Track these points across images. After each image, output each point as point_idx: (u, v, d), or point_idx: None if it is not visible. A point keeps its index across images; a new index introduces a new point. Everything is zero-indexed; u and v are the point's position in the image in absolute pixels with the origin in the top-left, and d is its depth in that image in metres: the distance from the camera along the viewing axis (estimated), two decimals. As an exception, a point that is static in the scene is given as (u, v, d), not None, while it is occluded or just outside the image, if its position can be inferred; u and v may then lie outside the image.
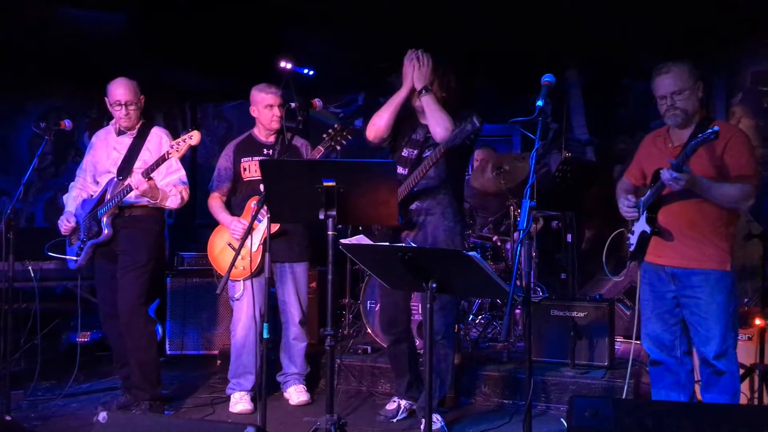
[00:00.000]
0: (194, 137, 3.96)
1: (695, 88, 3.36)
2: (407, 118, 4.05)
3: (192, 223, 7.25)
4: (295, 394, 4.58)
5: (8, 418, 3.91)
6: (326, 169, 3.16)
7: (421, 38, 4.03)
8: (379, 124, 3.99)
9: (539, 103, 2.81)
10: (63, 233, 4.39)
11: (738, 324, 3.55)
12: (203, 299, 5.67)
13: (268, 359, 3.72)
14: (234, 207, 4.57)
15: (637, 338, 3.69)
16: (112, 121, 4.38)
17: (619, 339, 5.20)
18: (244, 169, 4.54)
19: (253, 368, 4.40)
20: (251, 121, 4.69)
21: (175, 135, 4.20)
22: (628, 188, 3.68)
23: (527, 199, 2.71)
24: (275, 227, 4.29)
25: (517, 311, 5.13)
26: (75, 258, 4.33)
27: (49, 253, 4.51)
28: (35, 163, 4.19)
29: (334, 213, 3.12)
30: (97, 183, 4.36)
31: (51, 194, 6.80)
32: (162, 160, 4.00)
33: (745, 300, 4.80)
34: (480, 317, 5.59)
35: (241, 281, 4.42)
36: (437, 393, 3.98)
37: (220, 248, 4.56)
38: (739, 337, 3.91)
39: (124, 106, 4.22)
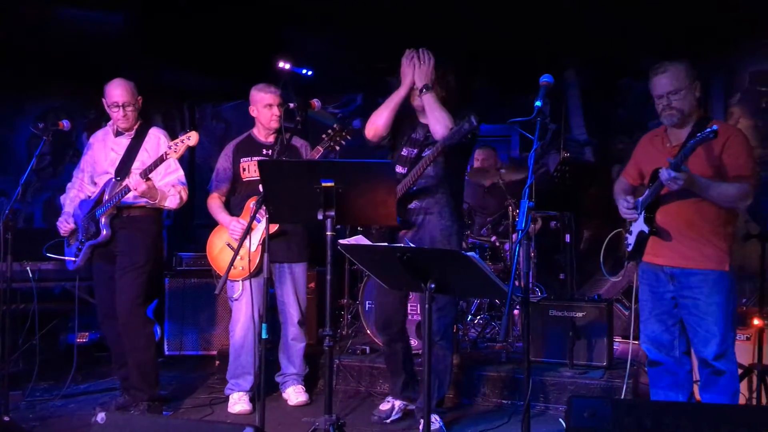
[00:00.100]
0: (192, 138, 3.96)
1: (692, 87, 3.36)
2: (407, 117, 4.05)
3: (190, 224, 7.24)
4: (294, 394, 4.57)
5: (6, 418, 3.91)
6: (325, 170, 3.16)
7: (421, 38, 4.03)
8: (378, 123, 3.99)
9: (537, 103, 2.81)
10: (62, 234, 4.39)
11: (736, 324, 3.56)
12: (202, 300, 5.66)
13: (266, 359, 3.72)
14: (233, 207, 4.57)
15: (636, 338, 3.69)
16: (110, 122, 4.38)
17: (617, 339, 5.20)
18: (243, 170, 4.54)
19: (251, 369, 4.40)
20: (250, 122, 4.69)
21: (173, 135, 4.20)
22: (626, 188, 3.68)
23: (526, 200, 2.71)
24: (274, 227, 4.29)
25: (516, 311, 5.12)
26: (73, 259, 4.33)
27: (48, 254, 4.51)
28: (33, 163, 4.18)
29: (332, 213, 3.12)
30: (95, 184, 4.36)
31: (49, 195, 6.79)
32: (160, 160, 4.00)
33: (744, 300, 4.81)
34: (479, 317, 5.59)
35: (240, 281, 4.42)
36: (435, 393, 3.98)
37: (219, 248, 4.56)
38: (738, 337, 3.91)
39: (121, 108, 4.22)
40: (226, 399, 4.52)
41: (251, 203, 4.37)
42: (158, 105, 7.46)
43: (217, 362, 5.28)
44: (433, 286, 2.80)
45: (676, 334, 3.46)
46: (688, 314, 3.38)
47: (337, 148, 4.39)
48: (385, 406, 4.21)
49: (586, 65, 6.81)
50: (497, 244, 5.65)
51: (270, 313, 4.45)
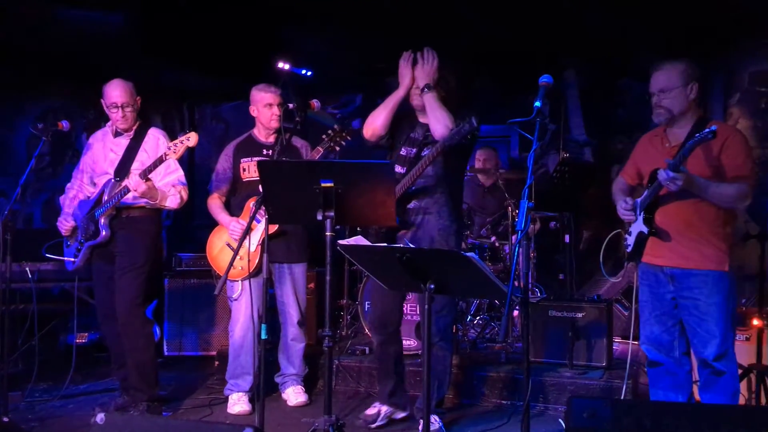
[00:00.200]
0: (192, 139, 3.96)
1: (685, 88, 3.35)
2: (406, 117, 4.05)
3: (190, 224, 7.24)
4: (293, 395, 4.57)
5: (6, 419, 3.91)
6: (324, 170, 3.16)
7: (421, 38, 4.04)
8: (376, 123, 3.99)
9: (537, 104, 2.81)
10: (63, 234, 4.39)
11: (736, 324, 3.56)
12: (201, 300, 5.66)
13: (266, 360, 3.72)
14: (233, 207, 4.57)
15: (635, 339, 3.69)
16: (109, 123, 4.38)
17: (617, 339, 5.20)
18: (244, 170, 4.54)
19: (251, 369, 4.40)
20: (249, 122, 4.69)
21: (172, 136, 4.20)
22: (624, 188, 3.68)
23: (525, 200, 2.71)
24: (274, 228, 4.29)
25: (516, 312, 5.12)
26: (72, 259, 4.33)
27: (47, 255, 4.51)
28: (33, 163, 4.18)
29: (332, 214, 3.12)
30: (95, 184, 4.36)
31: (48, 195, 6.79)
32: (159, 161, 4.00)
33: (743, 300, 4.80)
34: (478, 318, 5.59)
35: (239, 281, 4.42)
36: (435, 394, 3.97)
37: (219, 248, 4.56)
38: (737, 338, 3.91)
39: (120, 108, 4.22)
40: (226, 399, 4.52)
41: (251, 203, 4.37)
42: (158, 105, 7.46)
43: (217, 363, 5.28)
44: (432, 286, 2.80)
45: (676, 334, 3.46)
46: (687, 315, 3.37)
47: (337, 148, 4.39)
48: (371, 411, 4.15)
49: (585, 65, 6.81)
50: (497, 244, 5.65)
51: (269, 313, 4.45)
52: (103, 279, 4.30)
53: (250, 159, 4.51)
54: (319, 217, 3.13)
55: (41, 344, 4.94)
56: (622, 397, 4.07)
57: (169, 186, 4.26)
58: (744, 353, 4.10)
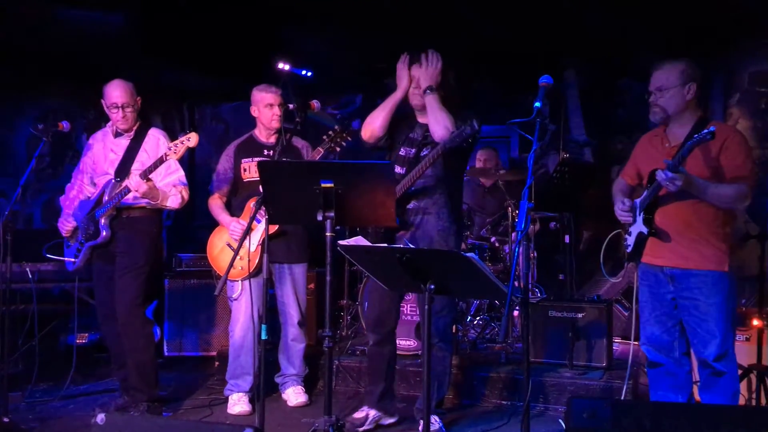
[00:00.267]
0: (192, 139, 3.96)
1: (682, 89, 3.35)
2: (404, 118, 4.05)
3: (190, 224, 7.24)
4: (294, 395, 4.57)
5: (6, 419, 3.92)
6: (324, 170, 3.16)
7: (421, 38, 4.04)
8: (374, 125, 3.99)
9: (537, 104, 2.81)
10: (64, 234, 4.39)
11: (736, 324, 3.55)
12: (201, 300, 5.65)
13: (266, 360, 3.71)
14: (234, 208, 4.58)
15: (636, 339, 3.69)
16: (109, 123, 4.38)
17: (617, 340, 5.20)
18: (244, 170, 4.54)
19: (251, 369, 4.40)
20: (249, 123, 4.70)
21: (172, 136, 4.20)
22: (624, 189, 3.68)
23: (525, 200, 2.71)
24: (274, 228, 4.29)
25: (516, 312, 5.12)
26: (73, 260, 4.33)
27: (48, 255, 4.51)
28: (33, 164, 4.18)
29: (332, 214, 3.12)
30: (95, 185, 4.36)
31: (49, 196, 6.80)
32: (160, 161, 4.00)
33: (743, 301, 4.80)
34: (478, 318, 5.59)
35: (239, 281, 4.42)
36: (435, 394, 3.97)
37: (220, 248, 4.56)
38: (737, 338, 3.91)
39: (120, 109, 4.22)
40: (226, 400, 4.52)
41: (252, 204, 4.37)
42: (157, 106, 7.47)
43: (217, 363, 5.28)
44: (432, 287, 2.80)
45: (676, 335, 3.46)
46: (687, 315, 3.37)
47: (338, 149, 4.40)
48: (359, 415, 4.09)
49: (585, 65, 6.81)
50: (497, 244, 5.65)
51: (270, 313, 4.46)
52: (104, 279, 4.31)
53: (250, 159, 4.51)
54: (320, 218, 3.13)
55: (41, 345, 4.94)
56: (622, 398, 4.07)
57: (170, 186, 4.26)
58: (744, 353, 4.11)
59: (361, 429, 4.02)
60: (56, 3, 5.46)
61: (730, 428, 2.64)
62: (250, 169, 4.51)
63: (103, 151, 4.35)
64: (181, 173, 4.32)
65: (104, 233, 4.19)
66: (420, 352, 4.79)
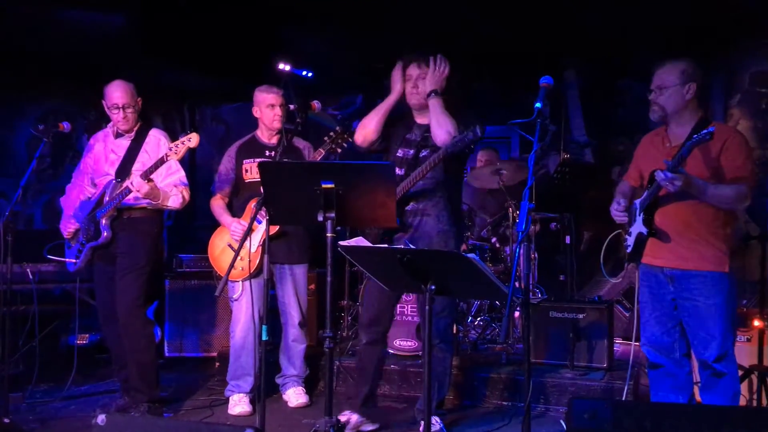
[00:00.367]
0: (193, 140, 3.96)
1: (683, 87, 3.35)
2: (400, 118, 4.04)
3: (191, 225, 7.24)
4: (294, 396, 4.57)
5: (7, 420, 3.92)
6: (325, 171, 3.16)
7: (421, 38, 4.04)
8: (367, 128, 3.98)
9: (537, 105, 2.81)
10: (65, 237, 4.39)
11: (736, 325, 3.55)
12: (202, 301, 5.65)
13: (267, 361, 3.71)
14: (236, 209, 4.58)
15: (637, 340, 3.68)
16: (110, 124, 4.38)
17: (618, 341, 5.20)
18: (246, 171, 4.54)
19: (251, 370, 4.40)
20: (249, 124, 4.70)
21: (173, 137, 4.20)
22: (626, 191, 3.65)
23: (526, 201, 2.71)
24: (274, 229, 4.29)
25: (516, 313, 5.12)
26: (74, 260, 4.33)
27: (49, 256, 4.51)
28: (33, 165, 4.18)
29: (332, 215, 3.12)
30: (95, 185, 4.36)
31: (49, 196, 6.80)
32: (160, 162, 4.00)
33: (744, 302, 4.80)
34: (479, 319, 5.59)
35: (240, 282, 4.42)
36: (435, 395, 3.96)
37: (221, 249, 4.56)
38: (738, 339, 3.91)
39: (121, 109, 4.22)
40: (227, 401, 4.51)
41: (252, 205, 4.37)
42: (158, 106, 7.46)
43: (218, 364, 5.28)
44: (433, 287, 2.80)
45: (676, 336, 3.46)
46: (687, 316, 3.37)
47: (339, 150, 4.40)
48: (342, 418, 3.97)
49: (585, 66, 6.81)
50: (497, 245, 5.65)
51: (271, 314, 4.45)
52: (104, 280, 4.31)
53: (252, 160, 4.51)
54: (320, 219, 3.12)
55: (42, 345, 4.94)
56: (623, 399, 4.06)
57: (171, 186, 4.26)
58: (745, 354, 4.11)
59: None
60: (56, 3, 5.46)
61: (730, 429, 2.64)
62: (251, 170, 4.51)
63: (104, 151, 4.35)
64: (182, 174, 4.32)
65: (105, 234, 4.19)
66: (420, 352, 4.79)
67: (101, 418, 2.72)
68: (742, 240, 4.24)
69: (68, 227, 4.35)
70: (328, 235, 3.13)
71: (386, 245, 3.70)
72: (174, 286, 5.72)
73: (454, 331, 4.56)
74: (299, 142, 4.63)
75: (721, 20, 5.61)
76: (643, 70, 3.65)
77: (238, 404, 4.44)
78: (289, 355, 4.62)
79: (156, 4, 5.49)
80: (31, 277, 4.78)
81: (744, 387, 3.98)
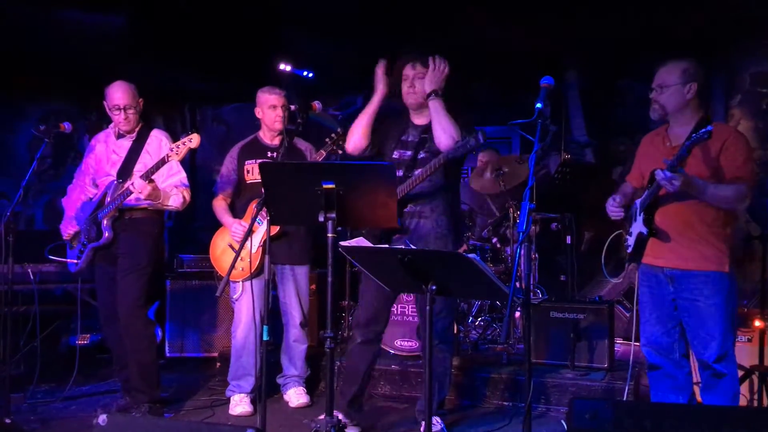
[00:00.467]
0: (194, 140, 3.96)
1: (683, 87, 3.35)
2: (393, 122, 4.02)
3: (191, 226, 7.25)
4: (295, 396, 4.58)
5: (8, 420, 3.92)
6: (325, 171, 3.16)
7: (421, 38, 4.03)
8: (355, 135, 3.95)
9: (538, 105, 2.81)
10: (65, 238, 4.39)
11: (736, 325, 3.55)
12: (203, 301, 5.65)
13: (268, 361, 3.72)
14: (238, 210, 4.58)
15: (637, 340, 3.69)
16: (112, 124, 4.38)
17: (618, 341, 5.20)
18: (248, 172, 4.54)
19: (252, 370, 4.41)
20: (250, 124, 4.70)
21: (174, 137, 4.21)
22: (627, 191, 3.65)
23: (527, 201, 2.71)
24: (275, 229, 4.30)
25: (517, 313, 5.12)
26: (75, 261, 4.33)
27: (50, 257, 4.51)
28: (35, 165, 4.19)
29: (333, 215, 3.12)
30: (97, 186, 4.36)
31: (50, 197, 6.81)
32: (162, 163, 4.00)
33: (744, 302, 4.80)
34: (479, 319, 5.59)
35: (240, 282, 4.43)
36: (436, 396, 3.96)
37: (222, 249, 4.57)
38: (739, 339, 3.91)
39: (122, 110, 4.22)
40: (228, 401, 4.52)
41: (254, 205, 4.38)
42: (159, 107, 7.47)
43: (219, 364, 5.29)
44: (434, 287, 2.81)
45: (676, 336, 3.45)
46: (687, 316, 3.37)
47: (340, 152, 4.40)
48: (323, 416, 4.03)
49: (586, 66, 6.81)
50: (498, 245, 5.65)
51: (272, 315, 4.46)
52: (105, 280, 4.31)
53: (254, 161, 4.51)
54: (321, 219, 3.13)
55: (43, 346, 4.96)
56: (624, 399, 4.07)
57: (172, 187, 4.26)
58: (746, 354, 4.10)
59: None
60: (57, 4, 5.46)
61: (731, 429, 2.64)
62: (253, 171, 4.52)
63: (106, 152, 4.36)
64: (183, 174, 4.32)
65: (106, 234, 4.20)
66: (420, 352, 4.80)
67: (102, 419, 2.72)
68: (742, 240, 4.23)
69: (68, 229, 4.36)
70: (329, 235, 3.14)
71: (387, 246, 3.70)
72: (175, 287, 5.72)
73: (455, 332, 4.56)
74: (301, 144, 4.63)
75: (721, 20, 5.60)
76: (643, 71, 3.65)
77: (239, 404, 4.44)
78: (290, 355, 4.63)
79: (157, 5, 5.49)
80: (32, 277, 4.78)
81: (745, 387, 3.98)
